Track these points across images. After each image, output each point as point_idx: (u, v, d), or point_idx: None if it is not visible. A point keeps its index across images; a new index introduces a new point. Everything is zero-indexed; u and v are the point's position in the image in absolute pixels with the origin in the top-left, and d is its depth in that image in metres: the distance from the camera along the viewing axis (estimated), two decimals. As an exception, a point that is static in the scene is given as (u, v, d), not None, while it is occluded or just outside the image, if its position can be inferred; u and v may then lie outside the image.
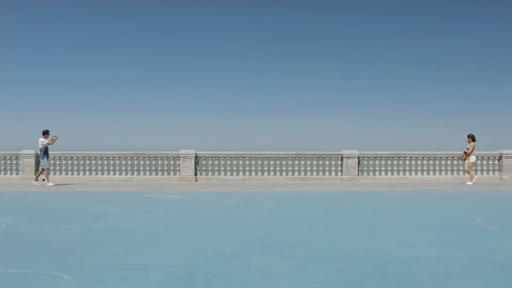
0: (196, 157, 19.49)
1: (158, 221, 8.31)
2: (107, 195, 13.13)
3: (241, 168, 19.64)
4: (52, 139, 17.13)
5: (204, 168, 19.66)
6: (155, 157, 19.76)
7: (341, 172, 19.55)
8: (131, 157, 19.85)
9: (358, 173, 19.38)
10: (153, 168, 19.74)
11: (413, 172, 19.62)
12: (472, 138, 17.28)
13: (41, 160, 17.23)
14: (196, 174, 19.47)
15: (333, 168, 19.62)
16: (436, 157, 19.66)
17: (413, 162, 19.63)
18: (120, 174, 19.79)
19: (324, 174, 19.57)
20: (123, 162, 19.87)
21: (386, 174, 19.60)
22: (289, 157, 19.58)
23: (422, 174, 19.59)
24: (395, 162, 19.61)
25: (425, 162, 19.66)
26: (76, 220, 8.61)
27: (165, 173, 19.74)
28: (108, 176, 19.75)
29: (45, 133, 17.24)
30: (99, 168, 19.87)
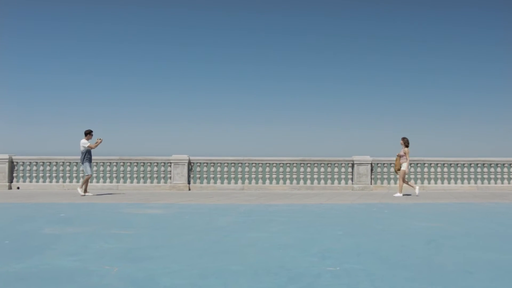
0: (189, 163, 16.71)
1: (116, 257, 5.52)
2: (75, 209, 10.33)
3: (239, 176, 16.87)
4: (96, 143, 14.11)
5: (198, 175, 16.87)
6: (144, 163, 16.98)
7: (352, 181, 16.77)
8: (116, 162, 17.06)
9: (371, 182, 16.60)
10: (141, 175, 16.95)
11: (432, 181, 16.84)
12: (405, 142, 14.02)
13: (81, 165, 14.33)
14: (189, 182, 16.68)
15: (342, 176, 16.82)
16: (457, 164, 16.88)
17: (432, 169, 16.85)
18: (104, 181, 17.00)
19: (332, 183, 16.77)
20: (108, 168, 17.08)
21: (402, 183, 16.79)
22: (293, 163, 16.81)
23: (442, 183, 16.80)
24: (412, 169, 16.83)
25: (445, 169, 16.87)
26: (1, 252, 5.81)
27: (155, 181, 16.95)
28: (91, 184, 16.93)
29: (87, 133, 14.20)
30: (81, 175, 17.06)
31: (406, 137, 14.06)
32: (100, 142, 14.19)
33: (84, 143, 14.07)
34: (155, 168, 16.93)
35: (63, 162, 17.13)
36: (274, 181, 16.76)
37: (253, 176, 16.77)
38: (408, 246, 6.10)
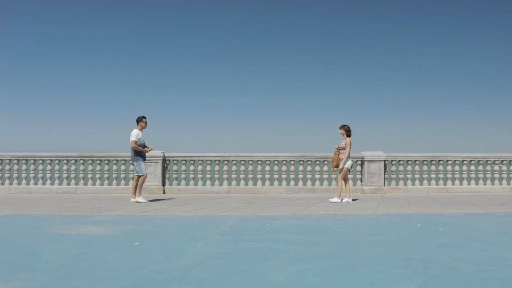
0: (164, 160, 13.04)
1: None
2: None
3: (226, 176, 13.24)
4: (146, 147, 10.39)
5: (175, 175, 13.21)
6: (108, 160, 13.24)
7: (361, 181, 13.26)
8: (75, 160, 13.32)
9: (385, 183, 13.10)
10: (105, 175, 13.22)
11: (456, 181, 13.39)
12: (347, 130, 10.32)
13: (132, 164, 10.49)
14: (163, 184, 12.99)
15: (350, 176, 13.28)
16: (487, 161, 13.46)
17: (457, 167, 13.40)
18: (61, 183, 13.23)
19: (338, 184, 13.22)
20: (65, 167, 13.32)
21: (421, 184, 13.35)
22: (290, 160, 13.23)
23: (469, 184, 13.38)
24: (433, 167, 13.37)
25: (472, 167, 13.45)
26: None
27: (122, 182, 13.23)
28: (44, 186, 13.18)
29: (139, 121, 10.37)
30: (31, 175, 13.28)
31: (347, 124, 10.36)
32: (146, 150, 10.48)
33: (135, 134, 10.20)
34: (122, 167, 13.22)
35: (10, 160, 13.33)
36: (267, 182, 13.17)
37: (242, 176, 13.17)
38: None
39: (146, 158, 12.76)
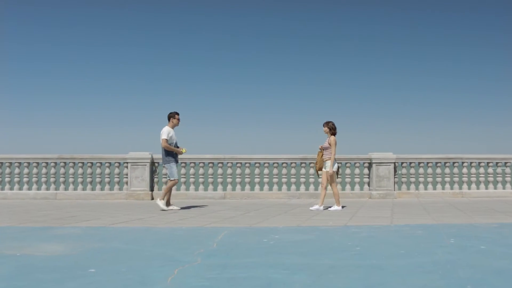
0: (152, 163, 11.67)
1: None
2: None
3: (220, 180, 11.88)
4: (178, 148, 9.06)
5: (164, 179, 11.83)
6: (91, 163, 11.87)
7: (369, 185, 11.90)
8: (55, 162, 11.95)
9: (394, 187, 11.75)
10: (88, 179, 11.86)
11: (473, 185, 12.05)
12: (331, 128, 8.95)
13: (163, 166, 9.24)
14: (152, 189, 11.62)
15: (356, 179, 11.93)
16: (506, 162, 12.12)
17: (473, 170, 12.06)
18: (39, 188, 11.85)
19: (343, 189, 11.89)
20: (44, 170, 11.96)
21: (434, 188, 12.00)
22: (291, 163, 11.87)
23: (486, 188, 12.01)
24: (447, 170, 12.02)
25: (490, 170, 12.10)
26: None
27: (106, 186, 11.86)
28: (21, 191, 11.82)
29: (170, 117, 9.03)
30: (7, 179, 11.91)
31: (332, 121, 9.04)
32: (180, 152, 9.12)
33: (163, 133, 8.89)
34: (107, 170, 11.84)
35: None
36: (266, 187, 11.80)
37: (238, 180, 11.80)
38: None
39: (134, 161, 11.48)
